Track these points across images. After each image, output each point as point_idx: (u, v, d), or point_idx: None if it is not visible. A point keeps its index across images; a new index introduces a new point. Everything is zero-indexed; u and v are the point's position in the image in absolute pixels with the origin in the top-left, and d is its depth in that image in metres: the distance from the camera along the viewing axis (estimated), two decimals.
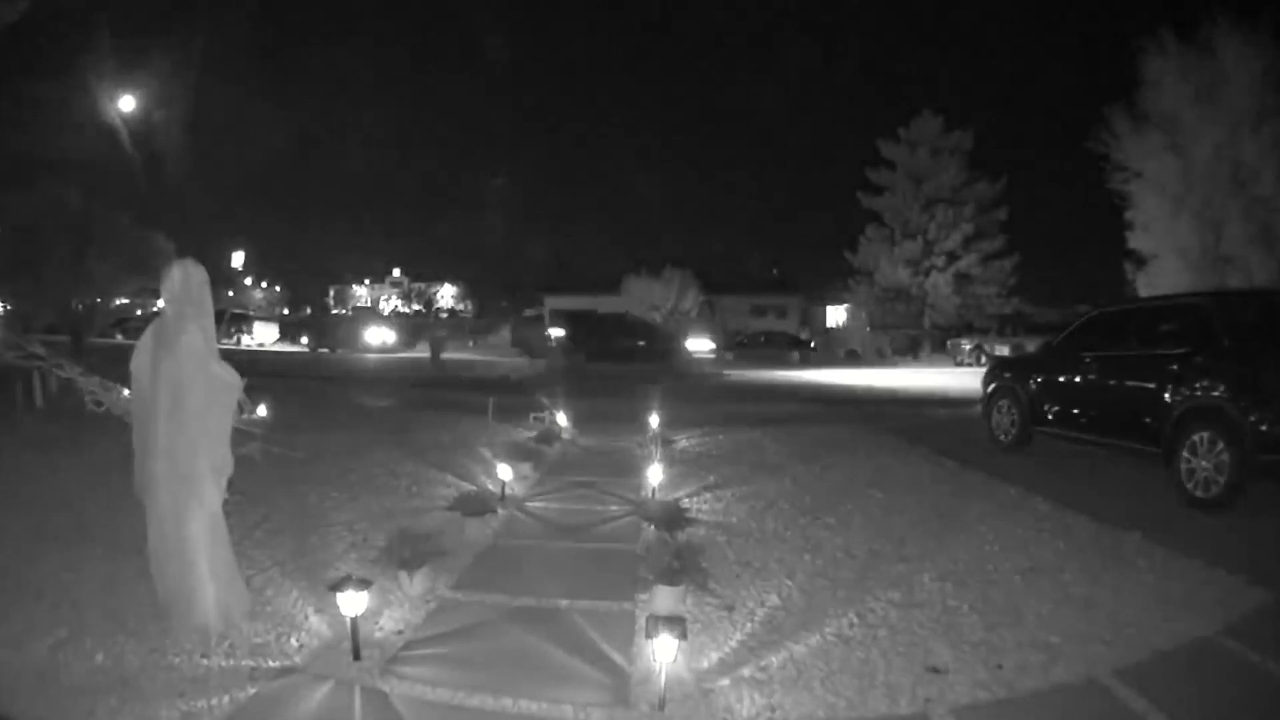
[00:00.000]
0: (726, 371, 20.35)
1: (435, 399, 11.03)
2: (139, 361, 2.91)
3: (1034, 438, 7.07)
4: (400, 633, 2.92)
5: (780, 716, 2.39)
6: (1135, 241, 14.74)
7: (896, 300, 30.26)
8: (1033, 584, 3.55)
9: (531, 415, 7.90)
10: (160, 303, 2.94)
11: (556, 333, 21.89)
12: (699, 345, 24.61)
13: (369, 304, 62.46)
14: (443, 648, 2.79)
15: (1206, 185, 13.27)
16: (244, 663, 2.64)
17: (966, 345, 24.26)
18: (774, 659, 2.75)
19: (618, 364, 18.18)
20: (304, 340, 28.25)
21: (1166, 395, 5.28)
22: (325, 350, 26.05)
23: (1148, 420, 5.44)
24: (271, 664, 2.64)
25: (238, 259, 59.14)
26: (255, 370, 6.79)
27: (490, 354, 28.44)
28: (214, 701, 2.38)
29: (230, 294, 51.10)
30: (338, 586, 2.68)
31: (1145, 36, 13.89)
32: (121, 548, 3.68)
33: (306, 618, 3.03)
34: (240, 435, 4.71)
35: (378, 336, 26.99)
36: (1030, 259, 29.15)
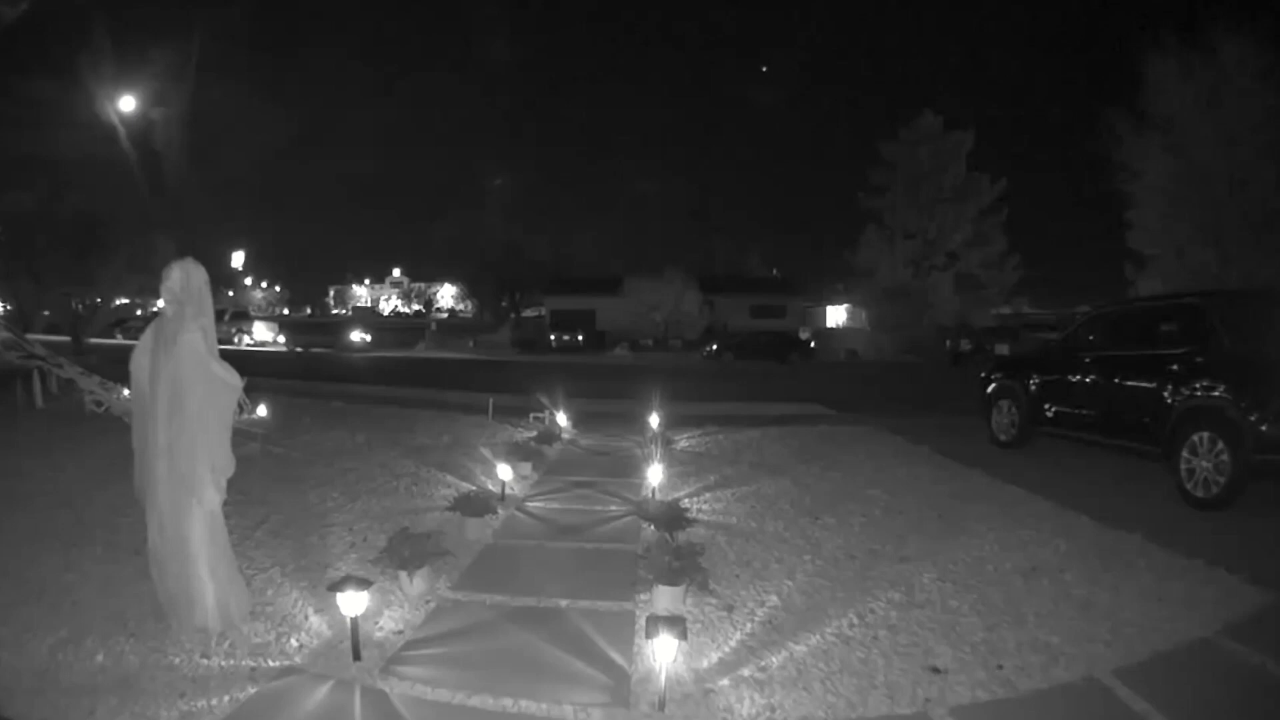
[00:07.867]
0: None
1: (435, 399, 11.02)
2: (139, 361, 2.90)
3: (1034, 438, 7.08)
4: (400, 633, 2.91)
5: (780, 716, 2.39)
6: (1135, 241, 14.75)
7: (897, 300, 30.26)
8: (1033, 584, 3.55)
9: (531, 415, 7.90)
10: (160, 303, 2.93)
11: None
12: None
13: (369, 304, 62.45)
14: (443, 648, 2.79)
15: (1206, 185, 13.26)
16: (244, 663, 2.64)
17: (967, 345, 24.27)
18: (774, 659, 2.75)
19: None
20: (280, 340, 30.28)
21: (1166, 395, 5.28)
22: (300, 350, 27.37)
23: (1148, 420, 5.44)
24: (272, 664, 2.64)
25: (238, 259, 59.18)
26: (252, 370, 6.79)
27: (490, 353, 28.50)
28: (214, 701, 2.38)
29: (230, 294, 51.18)
30: (338, 587, 2.68)
31: (1146, 37, 13.92)
32: (121, 548, 3.69)
33: (306, 618, 3.03)
34: (240, 435, 4.73)
35: (357, 336, 29.61)
36: (1030, 259, 29.18)
